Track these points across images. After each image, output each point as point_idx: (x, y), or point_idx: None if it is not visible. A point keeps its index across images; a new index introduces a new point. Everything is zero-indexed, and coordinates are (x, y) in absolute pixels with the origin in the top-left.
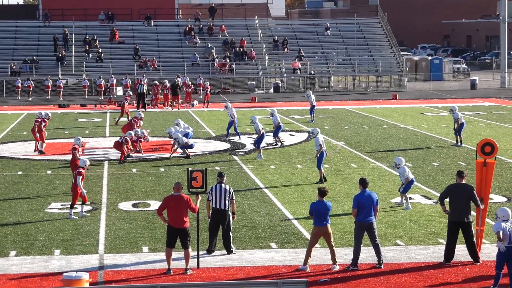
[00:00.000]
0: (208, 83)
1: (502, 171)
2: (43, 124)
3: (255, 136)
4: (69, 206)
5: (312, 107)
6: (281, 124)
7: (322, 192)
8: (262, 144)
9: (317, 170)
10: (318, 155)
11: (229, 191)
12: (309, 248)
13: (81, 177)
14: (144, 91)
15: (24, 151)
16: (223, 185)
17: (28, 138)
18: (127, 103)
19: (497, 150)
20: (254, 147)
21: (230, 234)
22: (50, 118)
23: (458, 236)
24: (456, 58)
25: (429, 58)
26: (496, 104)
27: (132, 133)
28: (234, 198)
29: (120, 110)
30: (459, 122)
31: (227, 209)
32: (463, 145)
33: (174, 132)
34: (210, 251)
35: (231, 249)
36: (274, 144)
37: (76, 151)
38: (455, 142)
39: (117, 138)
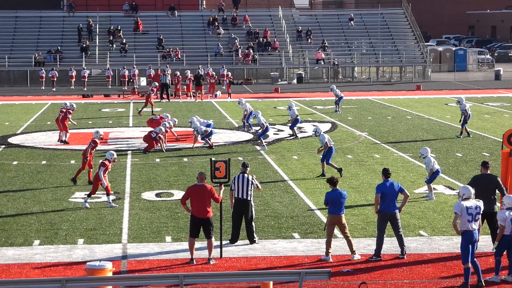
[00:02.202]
0: (230, 73)
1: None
2: (68, 115)
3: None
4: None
5: (339, 98)
6: (298, 117)
7: (333, 182)
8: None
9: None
10: (321, 152)
11: (252, 181)
12: (328, 238)
13: (104, 168)
14: (168, 81)
15: (48, 141)
16: (246, 175)
17: (52, 128)
18: (152, 94)
19: None
20: (258, 140)
21: (253, 224)
22: (75, 109)
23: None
24: (481, 48)
25: (453, 48)
26: None
27: (162, 128)
28: (259, 186)
29: (144, 100)
30: (467, 114)
31: (249, 199)
32: (471, 136)
33: (194, 122)
34: (233, 240)
35: (254, 239)
36: (292, 135)
37: (90, 146)
38: (460, 133)
39: (147, 131)
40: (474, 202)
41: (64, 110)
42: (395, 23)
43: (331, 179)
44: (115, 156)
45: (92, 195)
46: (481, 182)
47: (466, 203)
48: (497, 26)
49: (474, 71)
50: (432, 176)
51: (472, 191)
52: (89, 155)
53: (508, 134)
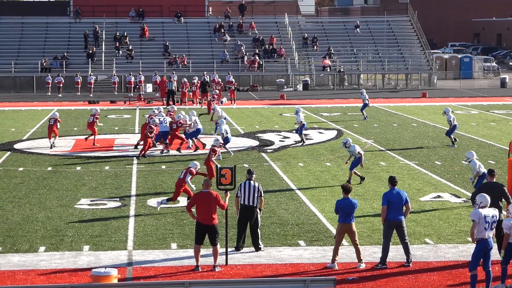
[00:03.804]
0: (234, 80)
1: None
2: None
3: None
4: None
5: (365, 105)
6: (304, 123)
7: (346, 189)
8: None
9: (345, 168)
10: (348, 163)
11: (258, 188)
12: (336, 246)
13: (191, 176)
14: (174, 88)
15: (54, 147)
16: (251, 182)
17: (58, 134)
18: (214, 101)
19: None
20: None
21: (258, 231)
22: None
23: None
24: (486, 56)
25: (459, 56)
26: None
27: (156, 119)
28: (262, 195)
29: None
30: (451, 124)
31: (255, 205)
32: (455, 145)
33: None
34: (238, 248)
35: (259, 246)
36: (300, 141)
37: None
38: (451, 143)
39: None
40: (491, 211)
41: (96, 115)
42: (401, 30)
43: (346, 186)
44: (199, 166)
45: (173, 201)
46: (487, 190)
47: (483, 211)
48: (502, 34)
49: (480, 78)
50: (478, 180)
51: (489, 199)
52: (211, 162)
53: None
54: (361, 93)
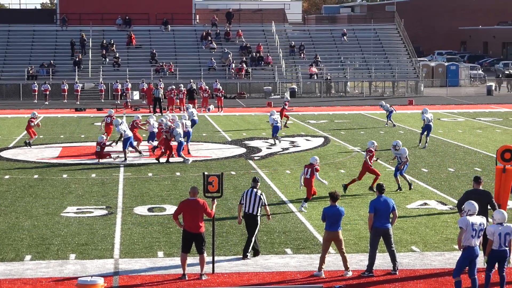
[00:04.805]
0: (221, 87)
1: None
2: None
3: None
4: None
5: (390, 112)
6: (277, 125)
7: (334, 197)
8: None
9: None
10: (401, 167)
11: (260, 196)
12: (322, 253)
13: (317, 173)
14: (161, 95)
15: (40, 154)
16: (255, 190)
17: (45, 141)
18: (286, 107)
19: None
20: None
21: (253, 239)
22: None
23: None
24: (473, 64)
25: (446, 64)
26: None
27: (140, 116)
28: (266, 204)
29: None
30: (425, 123)
31: (255, 214)
32: (425, 146)
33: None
34: (245, 255)
35: (247, 253)
36: (273, 144)
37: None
38: (421, 143)
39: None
40: (479, 219)
41: (111, 116)
42: (388, 38)
43: (333, 194)
44: (318, 160)
45: (309, 199)
46: (473, 197)
47: (471, 219)
48: (489, 42)
49: (466, 86)
50: None
51: (477, 207)
52: (369, 164)
53: (501, 150)
54: (381, 105)
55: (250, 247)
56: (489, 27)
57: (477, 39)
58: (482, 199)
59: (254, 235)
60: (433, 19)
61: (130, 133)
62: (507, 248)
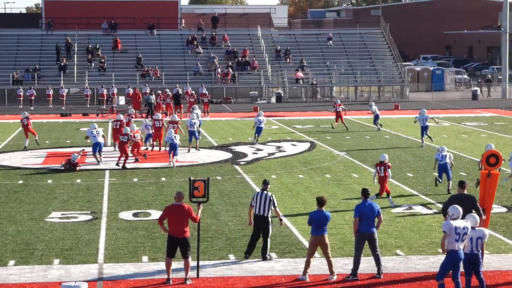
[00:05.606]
0: (207, 92)
1: (502, 181)
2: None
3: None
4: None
5: (376, 116)
6: (260, 126)
7: (320, 202)
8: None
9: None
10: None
11: (271, 198)
12: (308, 258)
13: (390, 169)
14: (153, 101)
15: (26, 160)
16: (265, 192)
17: (30, 147)
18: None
19: (502, 162)
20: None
21: (268, 240)
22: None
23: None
24: (458, 68)
25: (431, 68)
26: (497, 115)
27: (128, 129)
28: (276, 205)
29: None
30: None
31: (266, 215)
32: (423, 145)
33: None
34: (246, 255)
35: (267, 255)
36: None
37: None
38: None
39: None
40: (463, 223)
41: (123, 118)
42: (373, 43)
43: (320, 199)
44: (387, 157)
45: (380, 196)
46: (458, 201)
47: (455, 223)
48: (473, 46)
49: (452, 91)
50: None
51: (461, 211)
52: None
53: (486, 155)
54: (370, 105)
55: (268, 249)
56: (474, 31)
57: (462, 43)
58: (467, 204)
59: (269, 237)
60: (418, 24)
61: (100, 140)
62: (479, 252)
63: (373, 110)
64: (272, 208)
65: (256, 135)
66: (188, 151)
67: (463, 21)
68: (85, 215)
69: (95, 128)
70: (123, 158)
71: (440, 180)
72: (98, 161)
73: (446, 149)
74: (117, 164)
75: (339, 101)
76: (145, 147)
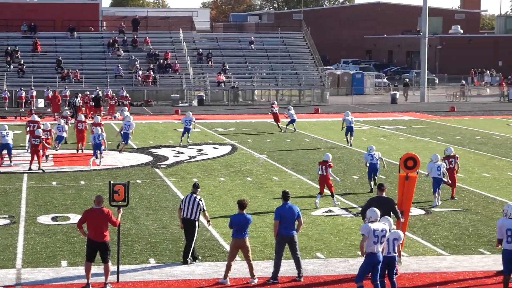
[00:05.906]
0: (127, 95)
1: (420, 184)
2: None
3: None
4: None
5: (292, 120)
6: (188, 127)
7: (241, 205)
8: (185, 157)
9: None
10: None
11: (199, 202)
12: (228, 261)
13: (330, 169)
14: (79, 104)
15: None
16: (194, 195)
17: None
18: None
19: (419, 165)
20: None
21: (192, 244)
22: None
23: None
24: (378, 72)
25: (351, 72)
26: (415, 118)
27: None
28: (205, 209)
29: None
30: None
31: (193, 219)
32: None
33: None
34: (186, 260)
35: (187, 259)
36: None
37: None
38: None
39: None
40: (381, 225)
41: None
42: (295, 46)
43: (241, 202)
44: (331, 157)
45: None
46: (376, 204)
47: (373, 226)
48: (393, 51)
49: (371, 94)
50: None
51: (379, 214)
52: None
53: (404, 158)
54: (288, 109)
55: (190, 253)
56: (393, 36)
57: (382, 47)
58: (385, 206)
59: (193, 241)
60: (339, 28)
61: (9, 141)
62: (395, 254)
63: (289, 114)
64: (200, 212)
65: (183, 136)
66: (120, 152)
67: (383, 26)
68: (3, 219)
69: (5, 130)
70: (35, 162)
71: (373, 187)
72: (2, 162)
73: (375, 148)
74: (30, 169)
75: (275, 103)
76: (54, 149)
